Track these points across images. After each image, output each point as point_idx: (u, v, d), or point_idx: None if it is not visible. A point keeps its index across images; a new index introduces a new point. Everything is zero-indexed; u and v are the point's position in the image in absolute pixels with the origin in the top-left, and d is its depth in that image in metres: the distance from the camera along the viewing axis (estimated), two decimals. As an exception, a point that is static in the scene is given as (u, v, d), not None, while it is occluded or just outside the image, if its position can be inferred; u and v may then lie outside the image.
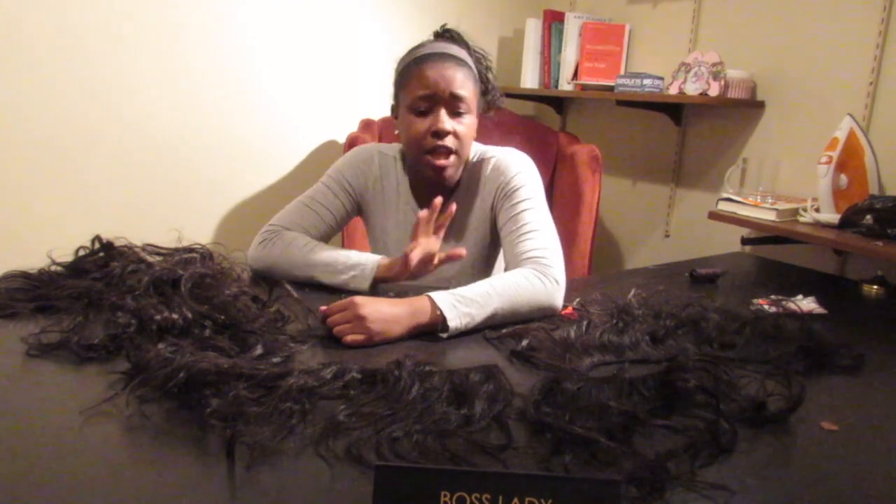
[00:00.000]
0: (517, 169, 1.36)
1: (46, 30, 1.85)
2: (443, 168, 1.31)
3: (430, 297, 1.10)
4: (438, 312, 1.08)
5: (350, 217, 1.45)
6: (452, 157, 1.30)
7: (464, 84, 1.29)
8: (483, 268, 1.46)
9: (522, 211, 1.31)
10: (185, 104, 2.10)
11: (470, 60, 1.34)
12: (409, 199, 1.42)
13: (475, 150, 1.42)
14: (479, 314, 1.11)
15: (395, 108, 1.39)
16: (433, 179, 1.34)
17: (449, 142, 1.29)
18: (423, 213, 1.24)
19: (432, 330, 1.09)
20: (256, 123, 2.24)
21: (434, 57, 1.30)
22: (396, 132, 1.38)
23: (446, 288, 1.17)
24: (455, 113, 1.29)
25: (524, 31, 2.54)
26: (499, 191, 1.36)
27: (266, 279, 1.26)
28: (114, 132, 2.00)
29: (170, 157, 2.11)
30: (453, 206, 1.26)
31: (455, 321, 1.08)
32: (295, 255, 1.30)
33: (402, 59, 1.36)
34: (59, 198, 1.95)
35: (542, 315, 1.19)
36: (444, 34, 1.39)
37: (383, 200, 1.43)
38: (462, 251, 1.23)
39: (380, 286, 1.28)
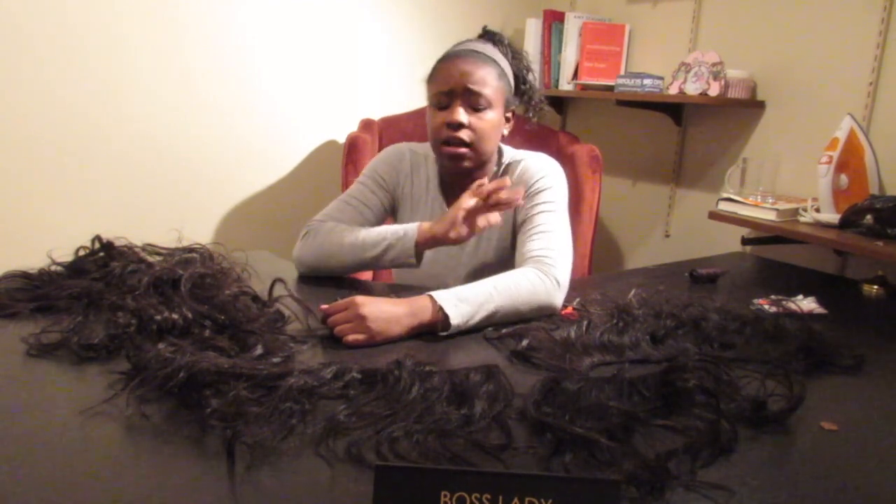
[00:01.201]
0: (543, 173, 1.38)
1: (46, 30, 1.85)
2: (455, 156, 1.33)
3: (431, 297, 1.10)
4: (440, 311, 1.08)
5: (388, 213, 1.48)
6: (466, 149, 1.32)
7: (483, 80, 1.31)
8: (504, 270, 1.46)
9: (539, 213, 1.33)
10: (185, 104, 2.10)
11: (500, 59, 1.37)
12: (437, 196, 1.44)
13: (508, 154, 1.44)
14: (479, 312, 1.12)
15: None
16: (451, 170, 1.38)
17: (463, 134, 1.31)
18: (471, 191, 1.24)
19: (433, 329, 1.09)
20: (256, 123, 2.24)
21: (457, 53, 1.34)
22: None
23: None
24: (474, 108, 1.32)
25: (524, 31, 2.54)
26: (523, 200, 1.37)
27: (264, 278, 1.26)
28: (114, 132, 2.00)
29: (170, 157, 2.11)
30: (506, 180, 1.23)
31: (457, 319, 1.08)
32: (335, 242, 1.33)
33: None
34: (59, 198, 1.95)
35: (542, 314, 1.19)
36: (485, 35, 1.42)
37: (412, 196, 1.46)
38: (497, 218, 1.24)
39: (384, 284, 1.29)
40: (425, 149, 1.47)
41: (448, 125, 1.31)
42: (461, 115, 1.31)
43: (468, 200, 1.22)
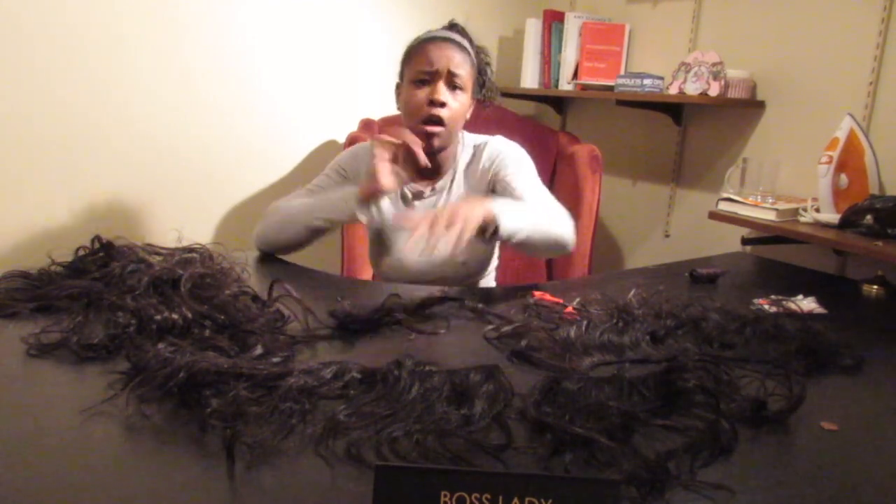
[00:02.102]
0: (509, 146, 1.52)
1: (47, 29, 1.85)
2: (432, 135, 1.41)
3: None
4: (491, 212, 1.22)
5: None
6: (442, 129, 1.42)
7: (461, 64, 1.43)
8: (478, 252, 1.53)
9: (518, 177, 1.46)
10: (185, 104, 2.10)
11: (470, 49, 1.49)
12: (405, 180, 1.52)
13: (469, 139, 1.55)
14: (520, 223, 1.26)
15: (399, 86, 1.52)
16: (425, 148, 1.44)
17: (443, 112, 1.40)
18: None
19: (488, 225, 1.23)
20: (256, 123, 2.24)
21: (438, 39, 1.46)
22: (398, 108, 1.51)
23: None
24: (451, 88, 1.42)
25: (524, 31, 2.54)
26: (494, 173, 1.49)
27: (266, 276, 1.26)
28: (114, 132, 2.00)
29: (170, 156, 2.11)
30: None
31: (507, 222, 1.23)
32: (288, 211, 1.45)
33: (411, 42, 1.51)
34: (59, 198, 1.95)
35: (558, 247, 1.36)
36: (451, 28, 1.53)
37: None
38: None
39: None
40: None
41: (432, 102, 1.40)
42: (445, 93, 1.41)
43: (381, 153, 1.36)
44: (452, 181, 1.51)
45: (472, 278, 1.56)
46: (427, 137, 1.41)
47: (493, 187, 1.49)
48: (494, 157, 1.50)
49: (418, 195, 1.51)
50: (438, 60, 1.40)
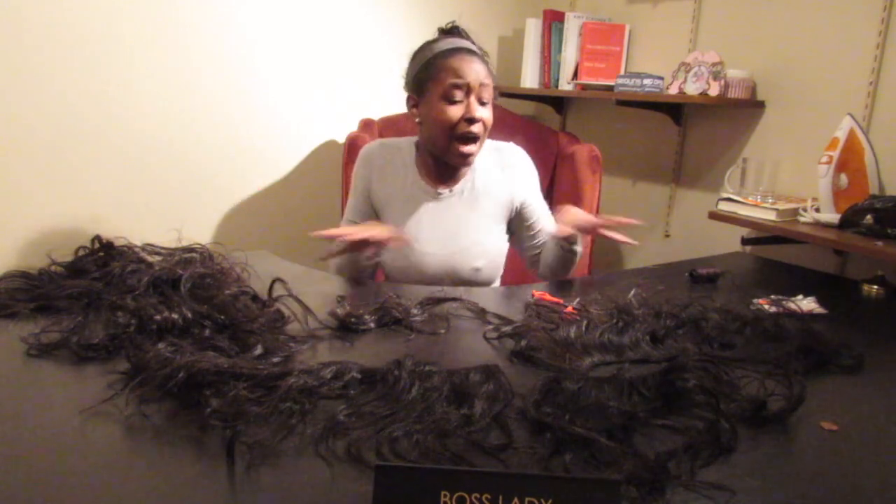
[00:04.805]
0: (530, 165, 1.57)
1: (46, 29, 1.85)
2: (469, 155, 1.43)
3: None
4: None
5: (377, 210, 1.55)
6: (476, 144, 1.43)
7: (488, 76, 1.42)
8: (494, 258, 1.55)
9: (539, 201, 1.56)
10: (185, 104, 2.10)
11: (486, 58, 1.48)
12: (417, 180, 1.50)
13: (486, 144, 1.55)
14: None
15: (414, 100, 1.46)
16: (459, 165, 1.47)
17: (477, 128, 1.41)
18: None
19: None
20: (257, 123, 2.24)
21: (462, 51, 1.42)
22: (417, 121, 1.47)
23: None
24: (481, 102, 1.41)
25: (524, 31, 2.54)
26: (516, 184, 1.53)
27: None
28: (114, 132, 2.00)
29: (170, 156, 2.11)
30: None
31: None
32: (335, 268, 1.49)
33: (421, 52, 1.46)
34: (59, 198, 1.95)
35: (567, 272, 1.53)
36: (452, 31, 1.50)
37: (393, 182, 1.51)
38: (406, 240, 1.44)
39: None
40: (397, 142, 1.55)
41: (468, 120, 1.39)
42: (479, 109, 1.40)
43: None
44: (473, 184, 1.52)
45: (484, 285, 1.56)
46: (463, 157, 1.42)
47: (513, 196, 1.53)
48: (516, 165, 1.54)
49: (437, 196, 1.51)
50: (468, 74, 1.38)
